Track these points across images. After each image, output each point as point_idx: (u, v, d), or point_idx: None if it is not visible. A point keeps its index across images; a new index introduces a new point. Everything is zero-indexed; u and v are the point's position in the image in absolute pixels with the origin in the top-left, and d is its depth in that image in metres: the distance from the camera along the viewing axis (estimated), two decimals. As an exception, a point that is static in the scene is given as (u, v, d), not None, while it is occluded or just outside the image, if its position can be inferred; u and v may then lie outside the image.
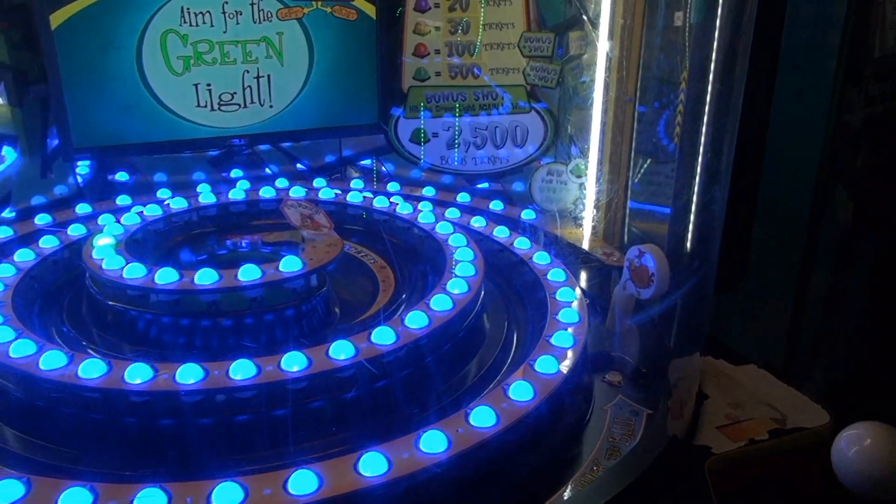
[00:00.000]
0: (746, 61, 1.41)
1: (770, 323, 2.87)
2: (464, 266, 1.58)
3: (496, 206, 2.17)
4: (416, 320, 1.36)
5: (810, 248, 2.82)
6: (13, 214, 1.96)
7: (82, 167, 2.17)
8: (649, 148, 1.87)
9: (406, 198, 2.05)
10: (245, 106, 2.15)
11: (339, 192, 2.07)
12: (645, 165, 1.85)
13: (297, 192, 2.05)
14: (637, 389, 1.51)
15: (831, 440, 1.20)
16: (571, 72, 2.16)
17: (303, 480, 1.04)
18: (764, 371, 1.62)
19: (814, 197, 2.74)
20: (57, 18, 1.90)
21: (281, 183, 2.19)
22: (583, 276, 1.90)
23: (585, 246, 2.02)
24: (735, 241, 2.77)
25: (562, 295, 1.60)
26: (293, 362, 1.21)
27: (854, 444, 1.15)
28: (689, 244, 1.58)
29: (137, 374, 1.18)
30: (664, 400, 1.40)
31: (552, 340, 1.42)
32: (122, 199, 2.05)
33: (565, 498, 1.17)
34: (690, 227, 1.58)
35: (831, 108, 2.66)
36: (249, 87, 2.14)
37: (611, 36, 1.95)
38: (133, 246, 1.62)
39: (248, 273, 1.38)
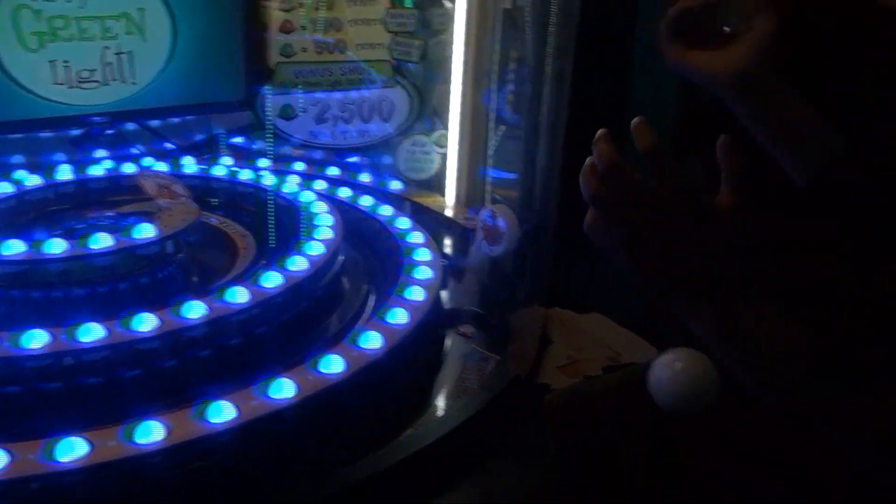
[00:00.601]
0: (573, 38, 1.53)
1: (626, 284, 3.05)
2: (322, 230, 1.64)
3: (364, 178, 2.24)
4: (269, 280, 1.41)
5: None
6: None
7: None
8: (505, 119, 1.98)
9: (273, 172, 2.09)
10: (106, 83, 2.13)
11: (204, 167, 2.08)
12: (497, 133, 1.95)
13: (159, 167, 2.06)
14: (488, 339, 1.62)
15: (656, 370, 1.33)
16: (435, 46, 2.24)
17: (148, 430, 1.08)
18: (606, 318, 1.76)
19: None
20: None
21: (146, 162, 2.18)
22: (446, 241, 1.99)
23: (449, 213, 2.11)
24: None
25: (418, 255, 1.68)
26: (142, 323, 1.24)
27: (667, 368, 1.28)
28: (531, 206, 1.70)
29: (-19, 341, 1.19)
30: (508, 346, 1.52)
31: (404, 295, 1.51)
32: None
33: (406, 434, 1.25)
34: (534, 190, 1.70)
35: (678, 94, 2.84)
36: (110, 63, 2.12)
37: (468, 11, 2.04)
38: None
39: (100, 241, 1.40)
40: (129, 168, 2.04)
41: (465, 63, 2.06)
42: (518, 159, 1.95)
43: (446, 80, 2.14)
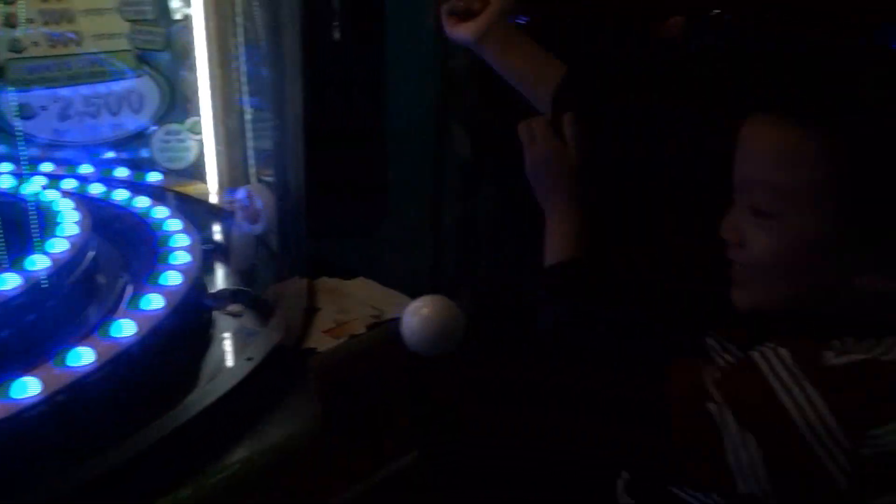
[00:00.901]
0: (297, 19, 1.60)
1: (417, 256, 3.21)
2: (66, 227, 1.59)
3: (120, 172, 2.17)
4: (6, 283, 1.36)
5: (438, 183, 3.19)
6: None
7: None
8: (251, 100, 2.01)
9: (15, 175, 1.97)
10: None
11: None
12: (248, 116, 1.98)
13: None
14: (257, 316, 1.66)
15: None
16: (178, 32, 2.21)
17: None
18: (370, 281, 1.86)
19: (435, 135, 3.10)
20: None
21: None
22: (211, 226, 1.99)
23: (211, 198, 2.11)
24: (370, 184, 3.05)
25: (174, 242, 1.68)
26: None
27: (415, 314, 1.40)
28: (285, 183, 1.75)
29: None
30: (271, 318, 1.57)
31: (160, 281, 1.51)
32: None
33: (169, 414, 1.28)
34: (283, 168, 1.76)
35: (437, 54, 3.01)
36: None
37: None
38: None
39: None
40: None
41: (209, 47, 2.06)
42: (269, 139, 2.00)
43: (194, 66, 2.12)
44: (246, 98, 2.07)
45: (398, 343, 1.63)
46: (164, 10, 2.20)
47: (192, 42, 2.13)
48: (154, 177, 2.16)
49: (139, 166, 2.23)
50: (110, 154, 2.28)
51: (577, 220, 1.20)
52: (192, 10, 2.07)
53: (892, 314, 0.89)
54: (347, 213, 3.06)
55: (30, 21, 2.14)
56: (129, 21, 2.19)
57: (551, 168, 1.23)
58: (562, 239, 1.20)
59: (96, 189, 1.97)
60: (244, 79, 1.90)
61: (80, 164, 2.21)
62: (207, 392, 1.33)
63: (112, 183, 2.06)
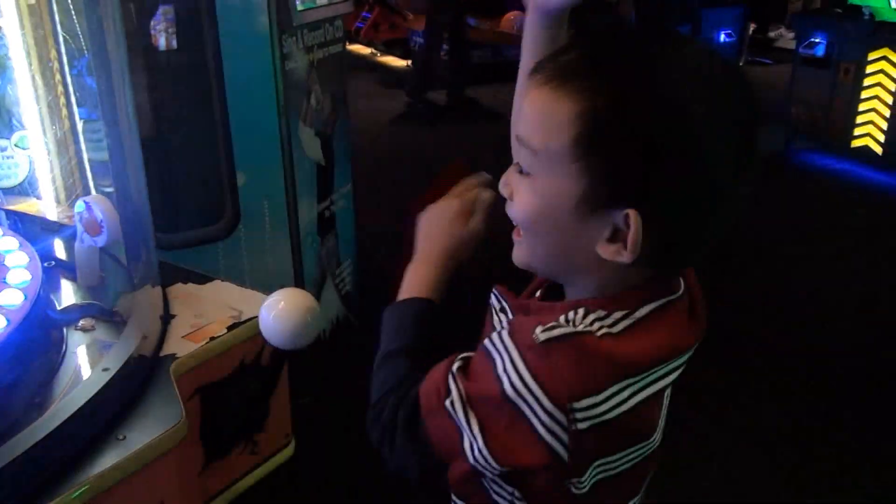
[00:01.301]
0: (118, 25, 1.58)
1: (274, 256, 3.20)
2: None
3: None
4: None
5: (289, 182, 3.19)
6: None
7: None
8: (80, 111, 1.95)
9: None
10: None
11: None
12: (79, 127, 1.92)
13: None
14: (111, 328, 1.62)
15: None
16: (-7, 44, 2.10)
17: None
18: (227, 282, 1.86)
19: (281, 136, 3.10)
20: None
21: None
22: (52, 243, 1.91)
23: (49, 214, 2.03)
24: (222, 193, 3.02)
25: (11, 261, 1.61)
26: None
27: (272, 309, 1.42)
28: (126, 192, 1.72)
29: None
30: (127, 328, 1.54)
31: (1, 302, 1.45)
32: None
33: (25, 431, 1.24)
34: (123, 177, 1.72)
35: (274, 59, 3.01)
36: None
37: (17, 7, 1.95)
38: None
39: None
40: None
41: (29, 58, 1.98)
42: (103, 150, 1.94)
43: (11, 79, 2.02)
44: (74, 108, 2.01)
45: (265, 343, 1.65)
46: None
47: (8, 54, 2.03)
48: (-17, 197, 2.04)
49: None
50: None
51: (444, 276, 1.14)
52: (4, 22, 1.97)
53: (626, 289, 0.92)
54: (197, 220, 3.01)
55: None
56: (-65, 35, 2.06)
57: (459, 225, 1.15)
58: (421, 281, 1.13)
59: (-85, 215, 1.85)
60: (71, 89, 1.85)
61: None
62: (64, 406, 1.30)
63: (-67, 208, 1.94)
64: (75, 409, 1.28)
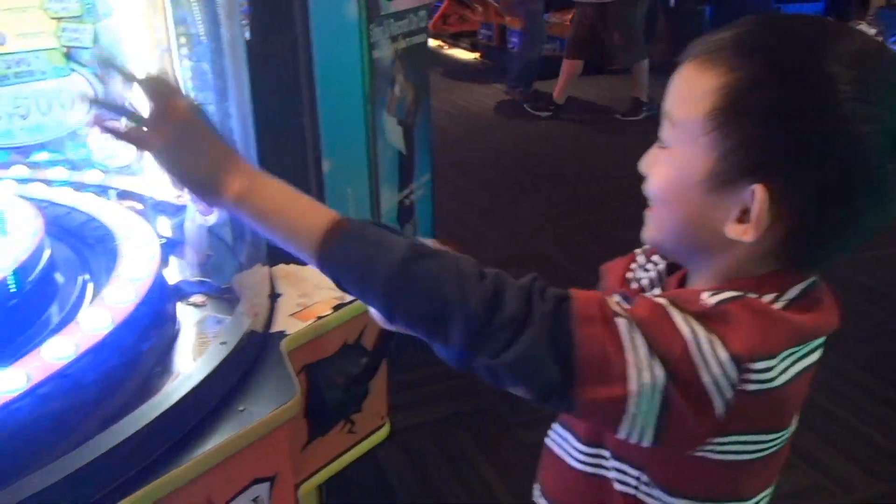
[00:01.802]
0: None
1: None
2: (18, 228, 1.57)
3: (58, 172, 2.13)
4: (-32, 282, 1.34)
5: (373, 172, 3.24)
6: None
7: None
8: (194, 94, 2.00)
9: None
10: None
11: None
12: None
13: None
14: (220, 304, 1.68)
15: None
16: (108, 29, 2.18)
17: None
18: (326, 265, 1.90)
19: (367, 125, 3.14)
20: None
21: None
22: (159, 220, 1.98)
23: (156, 193, 2.09)
24: (308, 179, 3.07)
25: (133, 237, 1.68)
26: None
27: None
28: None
29: None
30: (240, 305, 1.59)
31: (125, 274, 1.51)
32: None
33: (152, 399, 1.29)
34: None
35: (362, 48, 3.05)
36: None
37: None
38: None
39: None
40: None
41: (146, 42, 2.04)
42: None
43: (125, 62, 2.09)
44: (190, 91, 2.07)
45: (367, 322, 1.69)
46: (92, 6, 2.17)
47: (123, 37, 2.11)
48: (94, 175, 2.13)
49: (77, 166, 2.19)
50: (44, 154, 2.23)
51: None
52: (122, 4, 2.05)
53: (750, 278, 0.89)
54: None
55: (-51, 21, 2.07)
56: (54, 18, 2.15)
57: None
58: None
59: (38, 190, 1.93)
60: (187, 73, 1.90)
61: (12, 165, 2.16)
62: (187, 376, 1.35)
63: (52, 183, 2.03)
64: (200, 379, 1.33)
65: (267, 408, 1.36)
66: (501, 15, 8.69)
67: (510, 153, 6.25)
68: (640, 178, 0.99)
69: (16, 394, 1.15)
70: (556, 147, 6.45)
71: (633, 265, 1.08)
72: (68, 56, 2.19)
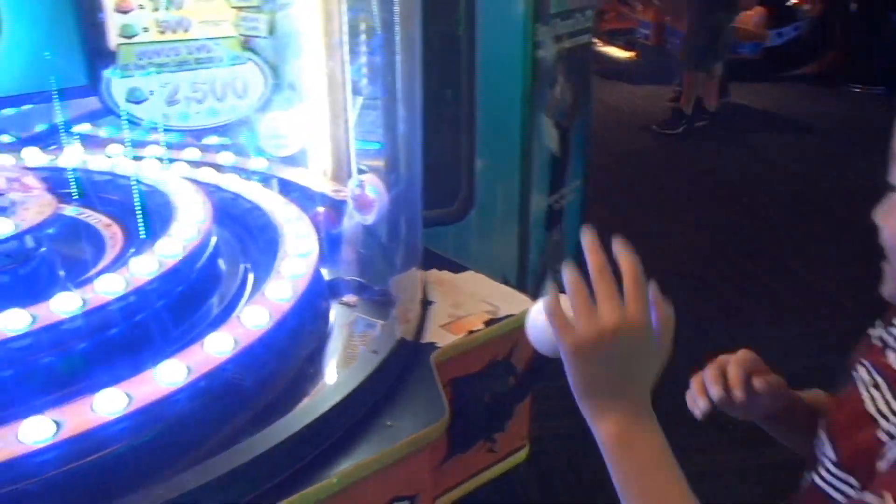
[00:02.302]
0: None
1: (502, 244, 3.19)
2: (191, 212, 1.61)
3: (225, 157, 2.19)
4: (143, 267, 1.37)
5: (525, 174, 3.15)
6: None
7: None
8: (361, 89, 2.00)
9: (131, 158, 2.01)
10: (-72, 74, 1.95)
11: (53, 157, 1.97)
12: (357, 105, 1.98)
13: (4, 160, 1.93)
14: (371, 306, 1.66)
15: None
16: (284, 19, 2.22)
17: (37, 427, 1.05)
18: (480, 274, 1.85)
19: (522, 128, 3.06)
20: None
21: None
22: (317, 213, 2.00)
23: (318, 186, 2.11)
24: (460, 177, 3.03)
25: (292, 230, 1.69)
26: (15, 320, 1.18)
27: (541, 314, 1.37)
28: (397, 173, 1.74)
29: None
30: (391, 310, 1.56)
31: (283, 271, 1.51)
32: None
33: (304, 402, 1.28)
34: (398, 158, 1.74)
35: (525, 47, 2.97)
36: (-71, 53, 1.94)
37: (315, -18, 2.03)
38: None
39: (-51, 241, 1.31)
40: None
41: (320, 34, 2.06)
42: (379, 128, 1.99)
43: (298, 53, 2.12)
44: (348, 86, 2.08)
45: (518, 341, 1.62)
46: (271, -3, 2.21)
47: (298, 28, 2.13)
48: (259, 162, 2.17)
49: (243, 152, 2.25)
50: (215, 139, 2.31)
51: None
52: (302, -2, 2.07)
53: None
54: (434, 202, 3.05)
55: (140, 7, 2.17)
56: (234, 7, 2.20)
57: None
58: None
59: (207, 174, 1.99)
60: (365, 68, 1.90)
61: (185, 147, 2.24)
62: (337, 384, 1.33)
63: (220, 167, 2.08)
64: (350, 389, 1.30)
65: (414, 426, 1.31)
66: (662, 14, 8.35)
67: (668, 159, 5.96)
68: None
69: (177, 386, 1.16)
70: (719, 156, 6.06)
71: (871, 331, 0.96)
72: (245, 45, 2.24)
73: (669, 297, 0.86)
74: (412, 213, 1.70)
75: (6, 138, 2.25)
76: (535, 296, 2.08)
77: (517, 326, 1.65)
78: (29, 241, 1.41)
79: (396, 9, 1.59)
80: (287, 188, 2.03)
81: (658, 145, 6.45)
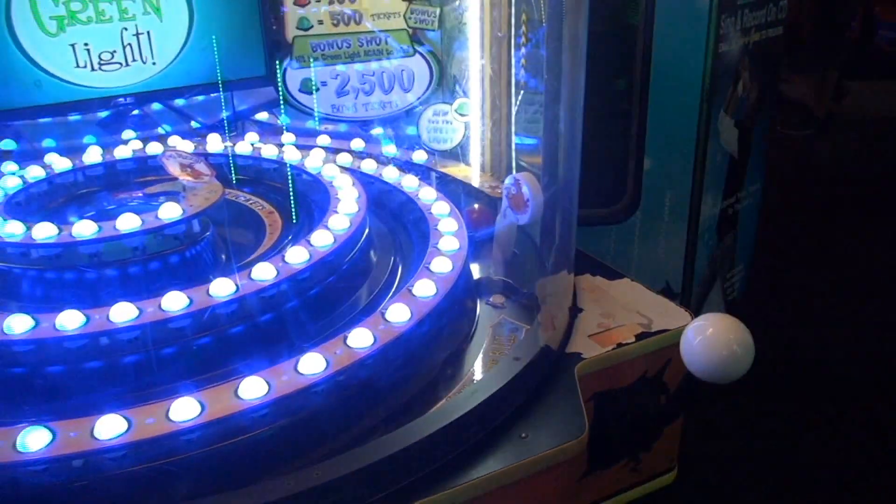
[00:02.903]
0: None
1: (667, 248, 3.02)
2: (347, 203, 1.63)
3: (387, 149, 2.23)
4: (296, 256, 1.41)
5: (699, 175, 2.96)
6: None
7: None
8: (522, 84, 1.95)
9: (297, 147, 2.08)
10: (127, 64, 2.13)
11: (229, 144, 2.08)
12: (518, 99, 1.93)
13: (182, 145, 2.06)
14: (518, 308, 1.61)
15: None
16: (451, 13, 2.21)
17: (184, 407, 1.10)
18: (636, 283, 1.74)
19: (699, 126, 2.87)
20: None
21: (172, 141, 2.19)
22: (471, 210, 1.97)
23: (474, 182, 2.10)
24: (626, 176, 2.90)
25: (443, 226, 1.67)
26: (174, 302, 1.25)
27: (699, 334, 1.27)
28: (555, 172, 1.67)
29: (18, 325, 1.21)
30: (536, 315, 1.50)
31: (431, 267, 1.50)
32: (7, 166, 2.02)
33: (440, 404, 1.26)
34: (557, 156, 1.67)
35: (708, 39, 2.77)
36: (129, 44, 2.12)
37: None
38: (15, 209, 1.62)
39: (127, 222, 1.41)
40: (154, 148, 2.05)
41: (483, 29, 2.03)
42: (538, 125, 1.92)
43: (462, 47, 2.11)
44: (512, 86, 2.03)
45: (672, 358, 1.51)
46: (440, -10, 2.21)
47: (465, 22, 2.12)
48: (419, 155, 2.19)
49: (403, 143, 2.28)
50: (379, 130, 2.35)
51: None
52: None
53: None
54: (597, 200, 2.94)
55: (317, 1, 2.24)
56: (406, 1, 2.22)
57: None
58: None
59: (367, 165, 2.03)
60: (525, 60, 1.85)
61: (351, 137, 2.30)
62: (475, 389, 1.29)
63: (380, 159, 2.12)
64: (486, 396, 1.27)
65: (551, 440, 1.25)
66: (872, 4, 7.57)
67: (860, 164, 5.43)
68: None
69: (316, 378, 1.18)
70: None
71: None
72: (413, 37, 2.26)
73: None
74: (567, 215, 1.63)
75: (193, 124, 2.43)
76: (698, 307, 1.92)
77: (672, 343, 1.54)
78: (195, 225, 1.49)
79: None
80: (444, 182, 2.03)
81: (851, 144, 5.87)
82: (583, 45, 1.51)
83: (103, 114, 2.30)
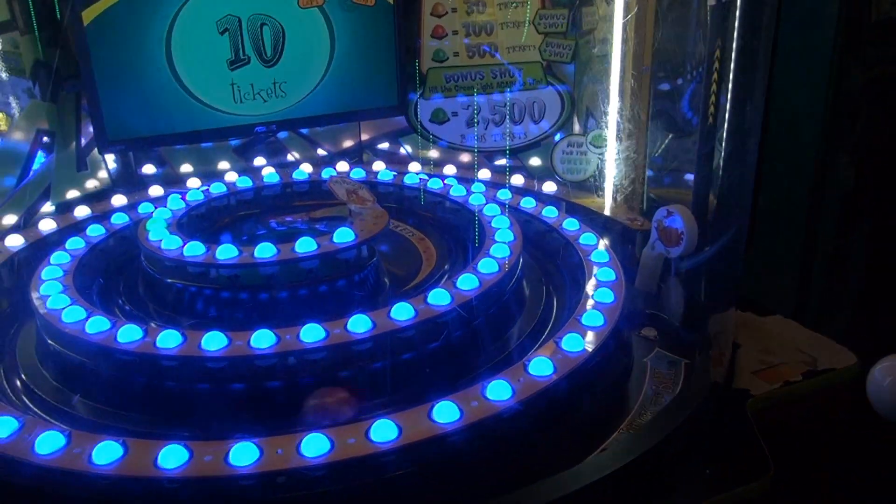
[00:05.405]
0: (772, 34, 1.49)
1: (779, 284, 2.95)
2: (502, 233, 1.65)
3: (517, 180, 2.24)
4: (467, 283, 1.43)
5: (814, 211, 2.90)
6: (53, 207, 2.02)
7: (111, 161, 2.23)
8: (667, 121, 1.94)
9: (434, 176, 2.12)
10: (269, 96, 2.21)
11: (395, 172, 2.14)
12: (666, 141, 1.93)
13: (343, 170, 2.13)
14: (670, 342, 1.59)
15: (861, 377, 1.28)
16: (585, 46, 2.23)
17: (382, 430, 1.11)
18: (789, 320, 1.71)
19: (816, 162, 2.82)
20: (88, 15, 1.94)
21: (308, 167, 2.26)
22: (610, 241, 1.97)
23: (607, 213, 2.09)
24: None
25: (595, 257, 1.67)
26: (358, 325, 1.28)
27: (889, 375, 1.23)
28: (718, 205, 1.65)
29: (212, 342, 1.25)
30: (704, 350, 1.48)
31: (594, 297, 1.50)
32: (155, 190, 2.11)
33: (620, 440, 1.24)
34: (720, 188, 1.66)
35: (830, 74, 2.73)
36: (277, 82, 2.19)
37: (626, 10, 2.01)
38: (181, 229, 1.68)
39: (305, 245, 1.45)
40: (300, 175, 2.11)
41: (624, 62, 2.04)
42: (686, 158, 1.91)
43: (596, 80, 2.12)
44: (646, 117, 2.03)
45: (848, 395, 1.47)
46: (574, 23, 2.23)
47: (599, 55, 2.13)
48: (550, 186, 2.19)
49: (531, 174, 2.29)
50: (504, 161, 2.37)
51: None
52: (613, 24, 2.05)
53: None
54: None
55: (453, 33, 2.29)
56: (541, 33, 2.25)
57: None
58: None
59: (504, 196, 2.04)
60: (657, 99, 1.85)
61: (478, 168, 2.33)
62: (654, 425, 1.28)
63: (516, 191, 2.13)
64: (667, 431, 1.25)
65: (735, 477, 1.23)
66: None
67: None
68: None
69: (502, 406, 1.18)
70: None
71: None
72: (546, 70, 2.28)
73: None
74: (734, 252, 1.60)
75: (321, 152, 2.50)
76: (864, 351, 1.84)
77: (841, 381, 1.50)
78: (364, 250, 1.52)
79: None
80: (578, 213, 2.03)
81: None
82: (760, 88, 1.51)
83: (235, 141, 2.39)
